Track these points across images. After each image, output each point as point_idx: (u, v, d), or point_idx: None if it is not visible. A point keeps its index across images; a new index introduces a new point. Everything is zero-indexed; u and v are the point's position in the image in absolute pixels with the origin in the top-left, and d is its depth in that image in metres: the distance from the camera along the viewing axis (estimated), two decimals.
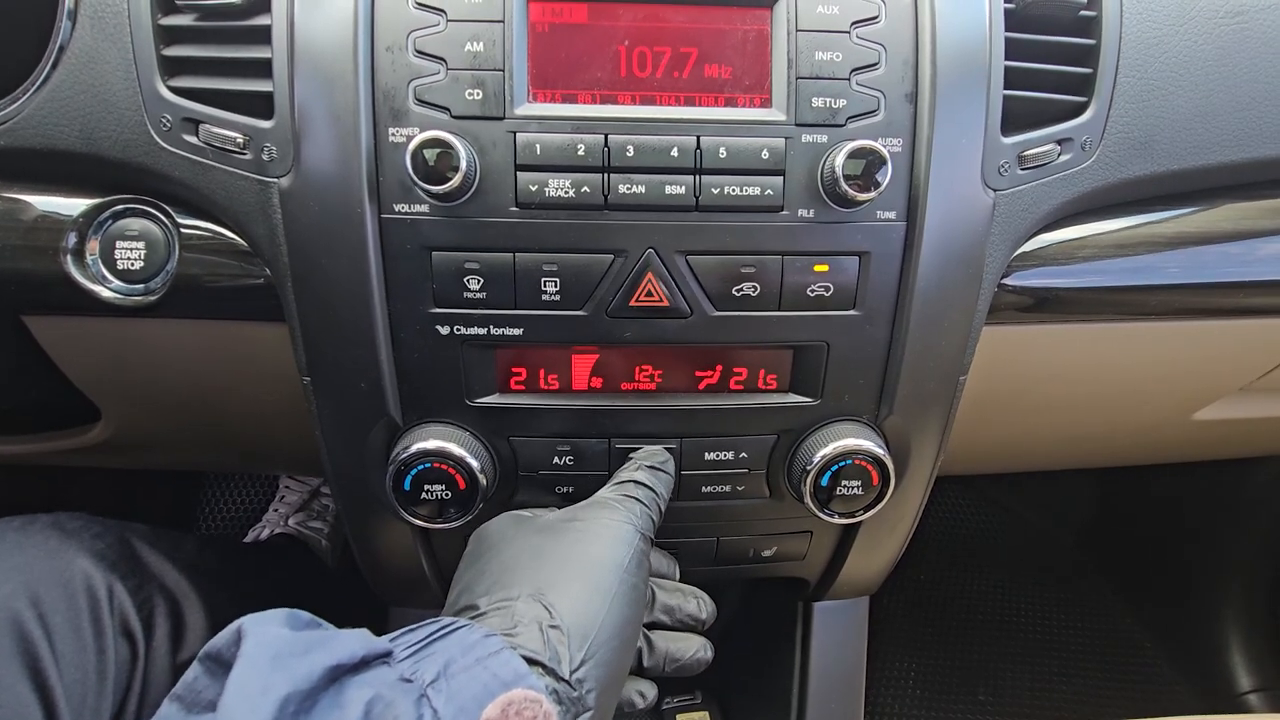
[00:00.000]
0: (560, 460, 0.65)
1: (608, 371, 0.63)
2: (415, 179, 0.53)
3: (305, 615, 0.45)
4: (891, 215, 0.58)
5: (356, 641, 0.42)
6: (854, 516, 0.66)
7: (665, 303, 0.59)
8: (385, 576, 0.77)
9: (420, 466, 0.59)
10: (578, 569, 0.52)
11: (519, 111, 0.55)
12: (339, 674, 0.40)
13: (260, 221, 0.58)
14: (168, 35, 0.57)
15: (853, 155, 0.54)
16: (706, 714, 0.99)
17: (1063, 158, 0.62)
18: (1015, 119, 0.60)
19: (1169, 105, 0.64)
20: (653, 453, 0.64)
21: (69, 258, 0.61)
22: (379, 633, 0.46)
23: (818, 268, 0.59)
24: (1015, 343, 0.70)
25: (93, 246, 0.61)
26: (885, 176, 0.55)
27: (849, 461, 0.63)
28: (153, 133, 0.57)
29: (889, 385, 0.63)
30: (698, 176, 0.56)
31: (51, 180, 0.62)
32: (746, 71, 0.57)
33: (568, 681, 0.45)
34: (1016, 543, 1.69)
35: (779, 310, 0.60)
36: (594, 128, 0.55)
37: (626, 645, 0.51)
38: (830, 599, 0.86)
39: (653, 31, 0.56)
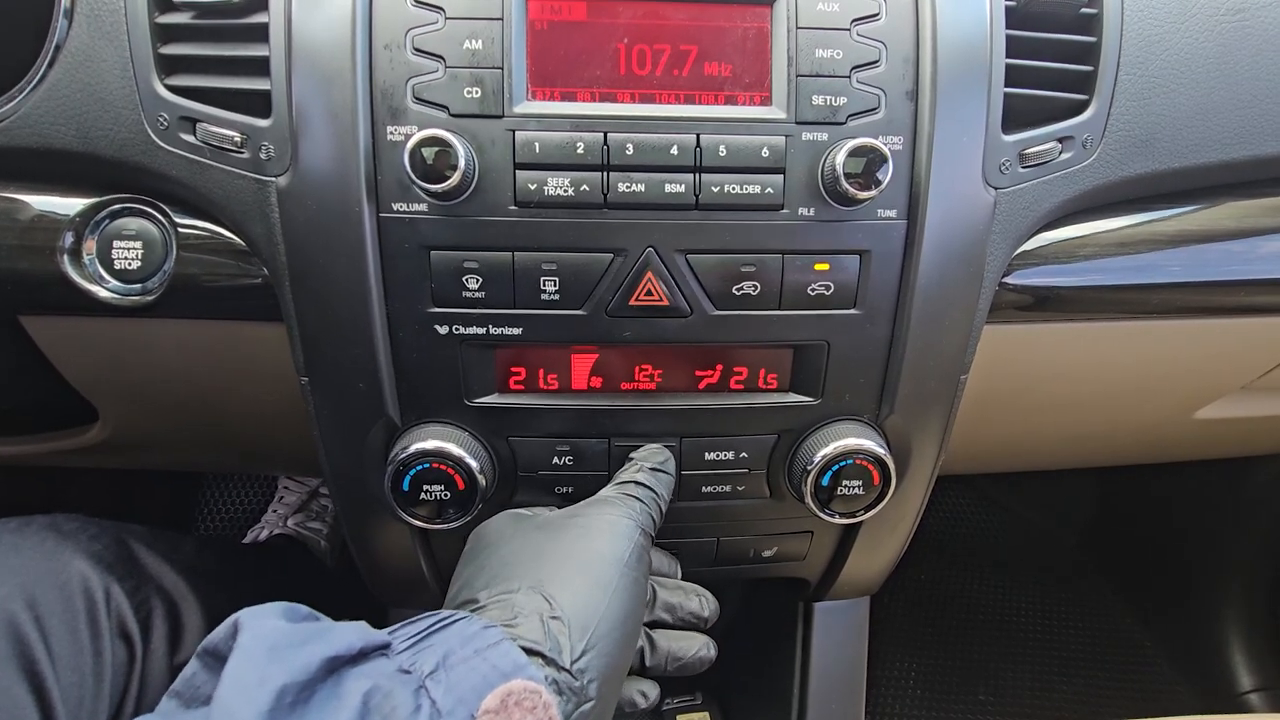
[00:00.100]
0: (560, 460, 0.64)
1: (607, 371, 0.63)
2: (413, 178, 0.52)
3: (303, 609, 0.45)
4: (892, 214, 0.58)
5: (355, 633, 0.42)
6: (855, 516, 0.65)
7: (665, 302, 0.59)
8: (384, 577, 0.76)
9: (419, 467, 0.59)
10: (578, 562, 0.52)
11: (518, 110, 0.55)
12: (337, 665, 0.40)
13: (258, 220, 0.58)
14: (165, 33, 0.57)
15: (853, 153, 0.54)
16: (707, 714, 0.99)
17: (1064, 156, 0.62)
18: (1016, 117, 0.60)
19: (1170, 103, 0.63)
20: (653, 453, 0.63)
21: (66, 257, 0.60)
22: None
23: (818, 266, 0.59)
24: (1016, 341, 0.70)
25: (90, 246, 0.60)
26: (886, 175, 0.55)
27: (850, 461, 0.62)
28: (150, 131, 0.57)
29: (890, 384, 0.63)
30: (697, 175, 0.56)
31: (48, 179, 0.62)
32: (746, 69, 0.56)
33: (569, 671, 0.45)
34: (1017, 543, 1.69)
35: (779, 309, 0.60)
36: (593, 126, 0.55)
37: (628, 638, 0.51)
38: (831, 599, 0.86)
39: (652, 29, 0.56)
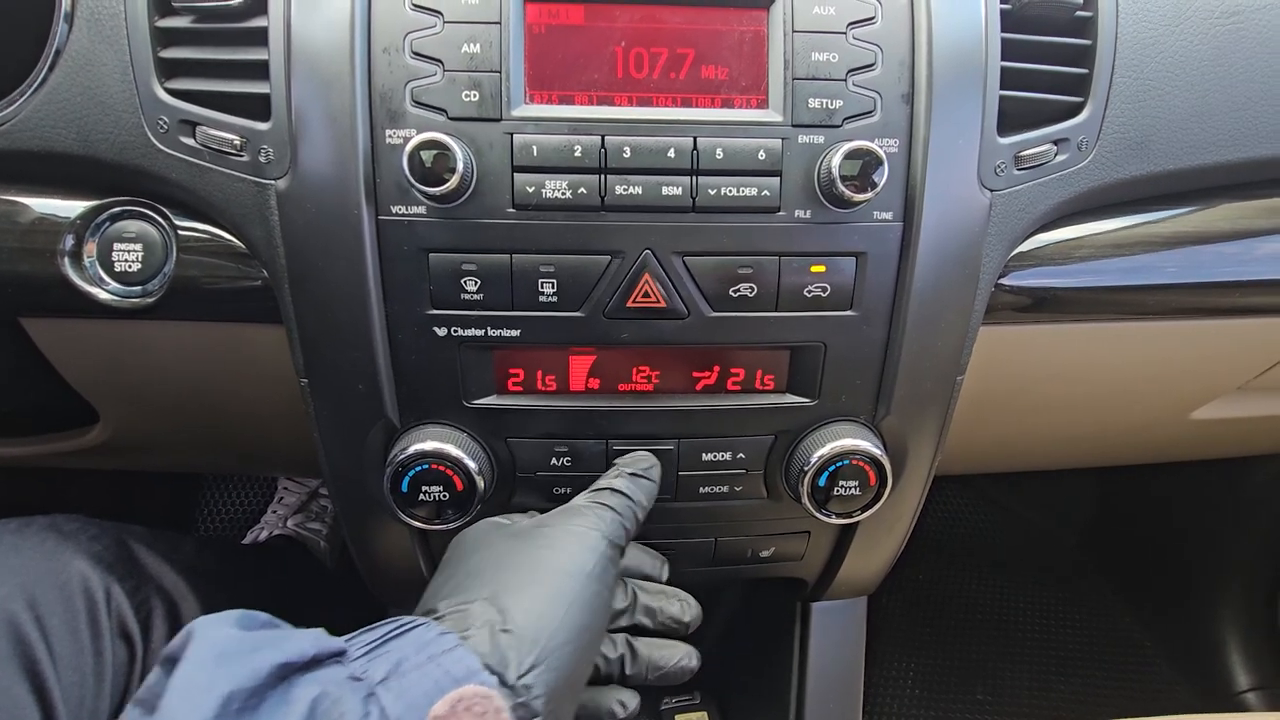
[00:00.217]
0: (558, 461, 0.65)
1: (605, 372, 0.63)
2: (412, 180, 0.53)
3: (262, 616, 0.45)
4: (888, 216, 0.58)
5: (309, 641, 0.42)
6: (851, 517, 0.66)
7: (662, 303, 0.59)
8: (383, 578, 0.77)
9: (418, 468, 0.60)
10: (537, 574, 0.51)
11: (516, 113, 0.55)
12: (288, 672, 0.40)
13: (257, 223, 0.58)
14: (164, 37, 0.57)
15: (849, 156, 0.55)
16: (705, 714, 0.99)
17: (1059, 158, 0.62)
18: (1011, 119, 0.60)
19: (1165, 105, 0.64)
20: (637, 459, 0.63)
21: (66, 260, 0.61)
22: None
23: (814, 268, 0.59)
24: (1012, 343, 0.71)
25: (90, 249, 0.61)
26: (882, 177, 0.55)
27: (846, 462, 0.63)
28: (150, 135, 0.57)
29: (886, 385, 0.63)
30: (694, 177, 0.56)
31: (48, 182, 0.62)
32: (743, 72, 0.57)
33: (512, 687, 0.44)
34: (1016, 542, 1.69)
35: (776, 311, 0.60)
36: (591, 129, 0.55)
37: (583, 651, 0.50)
38: (828, 599, 0.86)
39: (649, 33, 0.56)
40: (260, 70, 0.56)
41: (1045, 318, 0.69)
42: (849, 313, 0.61)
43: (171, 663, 0.41)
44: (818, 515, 0.65)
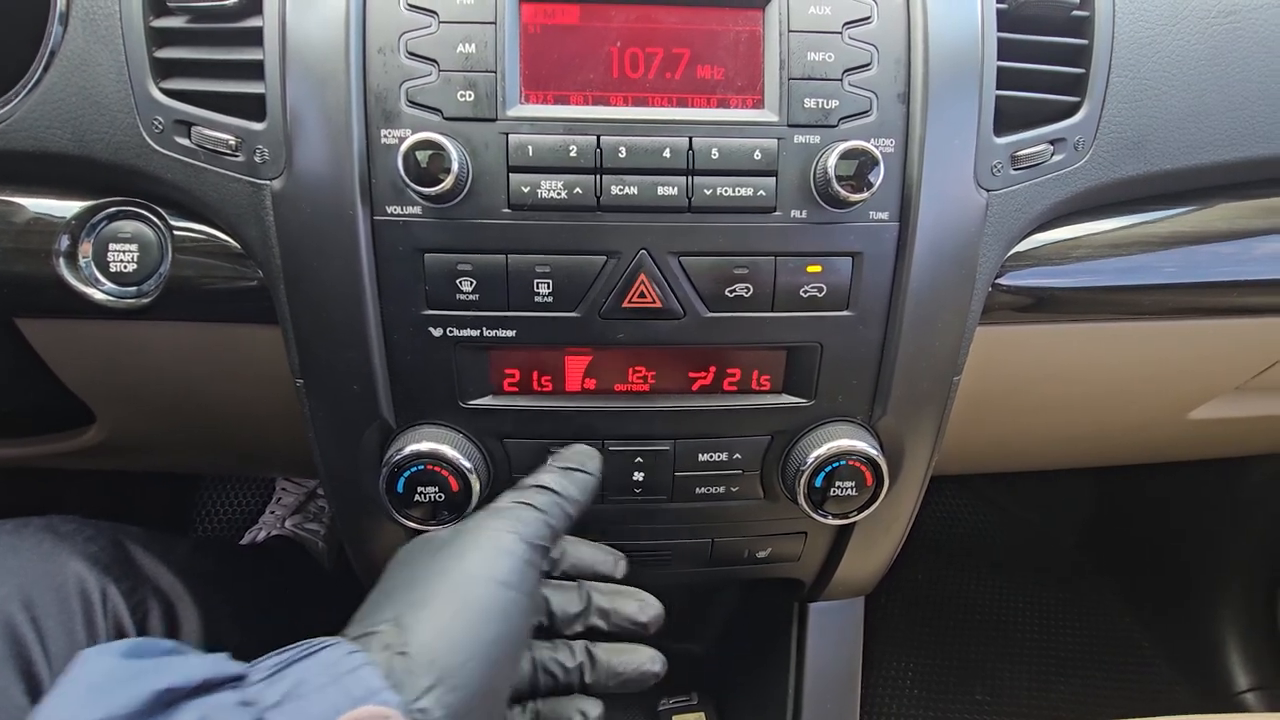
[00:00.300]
0: None
1: (601, 373, 0.63)
2: (407, 181, 0.53)
3: (164, 644, 0.43)
4: (884, 216, 0.58)
5: (202, 665, 0.40)
6: (848, 517, 0.66)
7: (658, 304, 0.59)
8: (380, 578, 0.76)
9: (413, 469, 0.59)
10: (442, 587, 0.48)
11: (511, 113, 0.55)
12: (174, 698, 0.38)
13: (253, 224, 0.58)
14: (159, 37, 0.57)
15: (845, 156, 0.54)
16: (703, 715, 0.99)
17: (1056, 158, 0.62)
18: (1008, 119, 0.60)
19: (1162, 105, 0.64)
20: (573, 452, 0.60)
21: (61, 260, 0.60)
22: None
23: (811, 268, 0.59)
24: (1010, 343, 0.70)
25: (85, 249, 0.61)
26: (878, 177, 0.55)
27: (843, 462, 0.63)
28: (145, 135, 0.57)
29: (882, 386, 0.63)
30: (690, 177, 0.56)
31: (44, 183, 0.62)
32: (739, 72, 0.57)
33: (410, 712, 0.42)
34: (1014, 542, 1.69)
35: (772, 311, 0.60)
36: (586, 129, 0.55)
37: (494, 664, 0.47)
38: (825, 599, 0.86)
39: (645, 32, 0.56)
40: (255, 70, 0.56)
41: (1042, 318, 0.69)
42: (845, 313, 0.61)
43: None
44: (814, 516, 0.65)
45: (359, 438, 0.62)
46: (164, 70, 0.58)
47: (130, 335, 0.66)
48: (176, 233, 0.61)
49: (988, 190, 0.60)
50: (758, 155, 0.56)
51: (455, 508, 0.61)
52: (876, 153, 0.54)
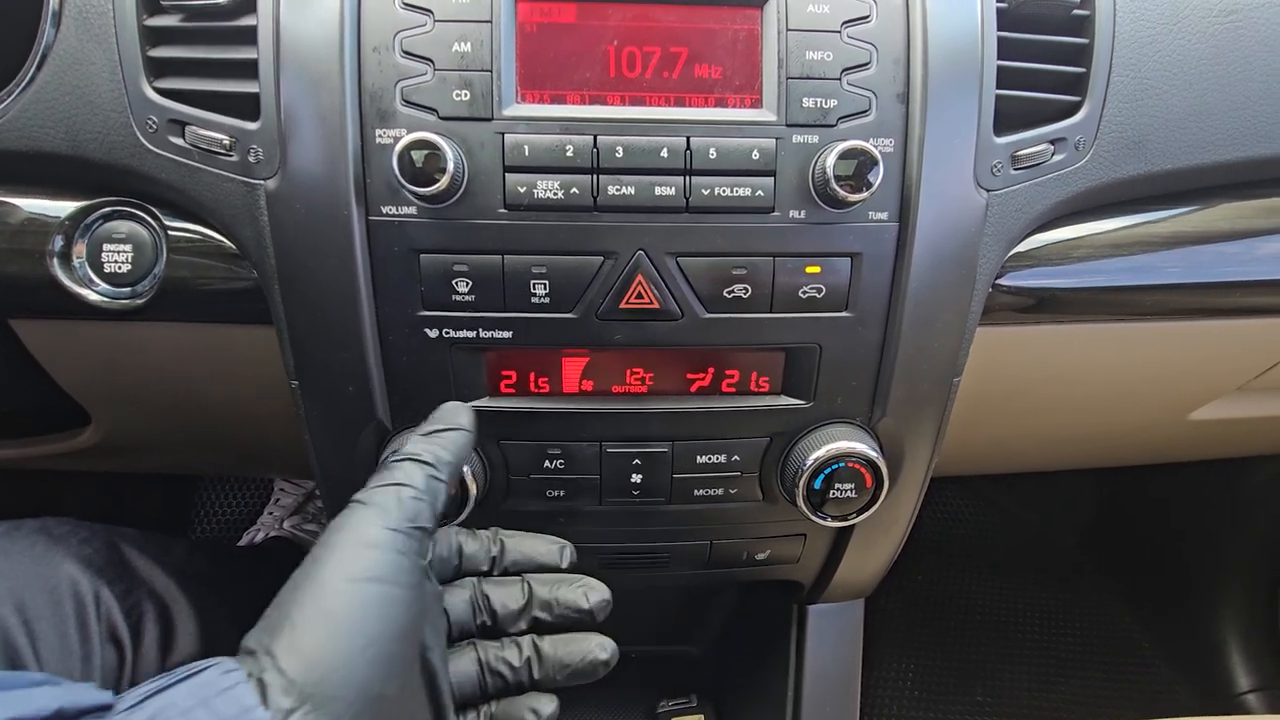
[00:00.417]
0: (551, 464, 0.64)
1: (598, 374, 0.62)
2: (402, 181, 0.52)
3: (38, 676, 0.41)
4: (883, 216, 0.58)
5: (61, 695, 0.38)
6: (848, 520, 0.65)
7: (656, 305, 0.58)
8: None
9: None
10: (304, 594, 0.44)
11: (507, 112, 0.54)
12: None
13: (247, 224, 0.57)
14: (153, 36, 0.57)
15: (844, 156, 0.54)
16: (701, 717, 0.99)
17: (1056, 158, 0.62)
18: (1008, 119, 0.60)
19: (1163, 104, 0.63)
20: (440, 413, 0.52)
21: (55, 261, 0.60)
22: None
23: (809, 269, 0.59)
24: (1010, 344, 0.70)
25: (79, 249, 0.60)
26: (877, 177, 0.54)
27: (842, 464, 0.62)
28: (138, 134, 0.57)
29: (882, 387, 0.63)
30: (688, 177, 0.56)
31: (37, 183, 0.61)
32: (737, 71, 0.56)
33: None
34: (1014, 543, 1.69)
35: (770, 312, 0.60)
36: (583, 128, 0.55)
37: (374, 668, 0.42)
38: (825, 602, 0.86)
39: (642, 31, 0.55)
40: (249, 69, 0.55)
41: (1043, 318, 0.69)
42: (844, 314, 0.60)
43: None
44: (813, 518, 0.65)
45: (355, 439, 0.62)
46: (158, 69, 0.57)
47: (125, 336, 0.66)
48: (171, 233, 0.61)
49: (988, 190, 0.60)
50: (756, 155, 0.56)
51: (452, 510, 0.60)
52: (875, 152, 0.54)
